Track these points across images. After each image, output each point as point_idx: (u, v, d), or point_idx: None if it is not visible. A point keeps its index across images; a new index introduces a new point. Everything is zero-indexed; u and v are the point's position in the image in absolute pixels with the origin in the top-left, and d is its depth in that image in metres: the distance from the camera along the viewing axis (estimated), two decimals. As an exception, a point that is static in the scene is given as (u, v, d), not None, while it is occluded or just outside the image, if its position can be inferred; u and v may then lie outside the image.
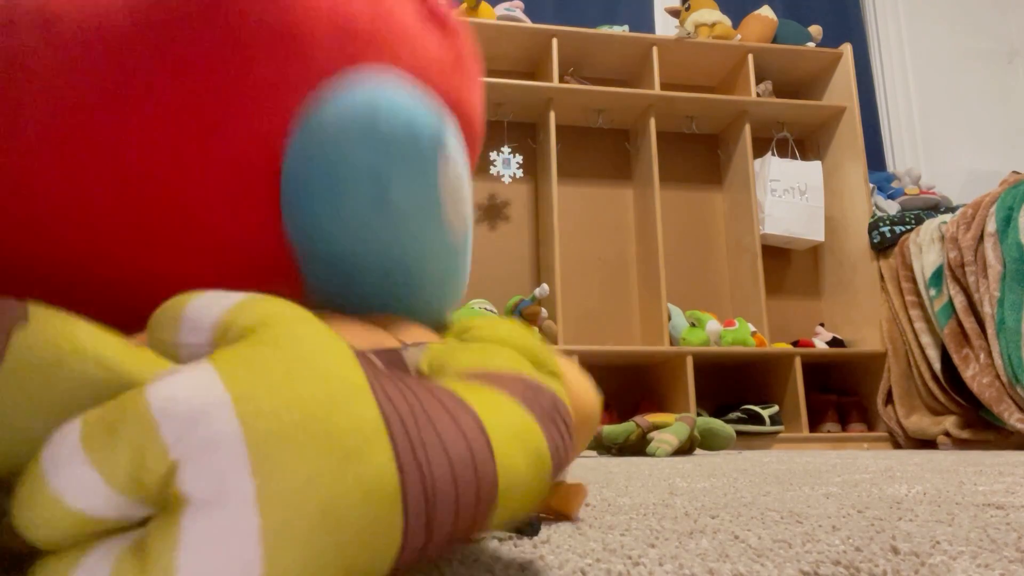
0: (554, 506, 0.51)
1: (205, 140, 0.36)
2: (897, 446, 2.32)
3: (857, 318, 2.57)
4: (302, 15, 0.37)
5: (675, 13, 2.82)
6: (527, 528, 0.38)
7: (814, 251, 2.82)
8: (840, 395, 2.58)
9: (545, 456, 0.27)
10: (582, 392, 0.46)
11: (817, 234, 2.65)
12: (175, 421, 0.18)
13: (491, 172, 2.57)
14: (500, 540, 0.40)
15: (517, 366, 0.32)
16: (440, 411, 0.24)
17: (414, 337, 0.39)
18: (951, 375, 2.16)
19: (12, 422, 0.23)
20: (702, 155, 2.88)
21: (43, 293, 0.38)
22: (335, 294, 0.42)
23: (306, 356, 0.21)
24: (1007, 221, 1.98)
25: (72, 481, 0.18)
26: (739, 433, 2.30)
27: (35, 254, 0.37)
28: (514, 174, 2.57)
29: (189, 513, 0.18)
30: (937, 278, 2.18)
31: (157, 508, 0.19)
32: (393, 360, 0.35)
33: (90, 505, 0.19)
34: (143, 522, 0.19)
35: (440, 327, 0.46)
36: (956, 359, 2.09)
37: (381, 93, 0.38)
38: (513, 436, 0.26)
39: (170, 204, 0.37)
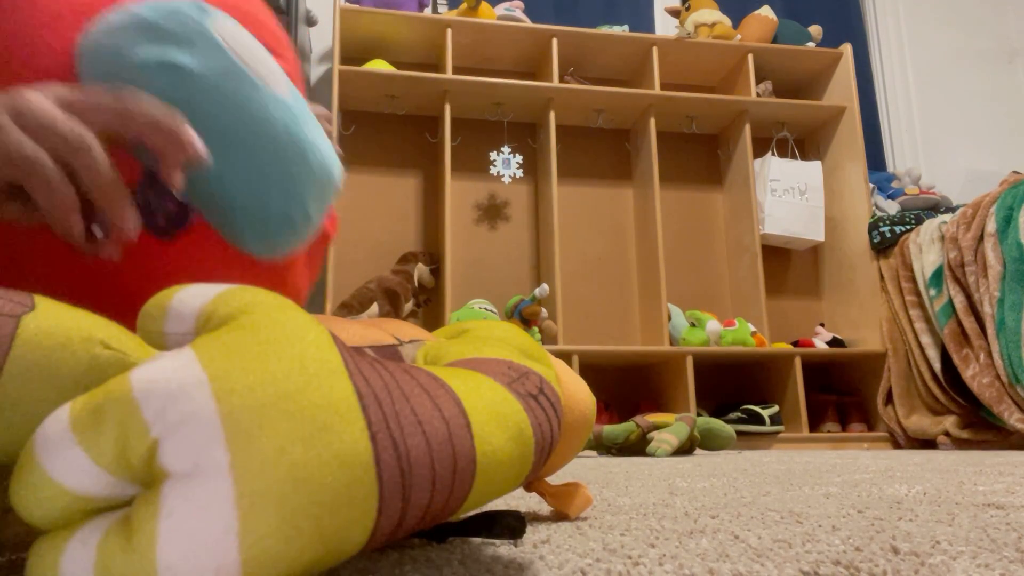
0: (554, 504, 0.51)
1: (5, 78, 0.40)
2: (897, 446, 2.32)
3: (857, 318, 2.57)
4: None
5: (675, 13, 2.82)
6: (512, 530, 0.38)
7: (814, 251, 2.83)
8: (840, 395, 2.58)
9: (527, 434, 0.27)
10: (577, 393, 0.46)
11: (817, 234, 2.65)
12: (155, 401, 0.19)
13: (491, 172, 2.57)
14: (497, 544, 0.40)
15: (506, 355, 0.33)
16: (417, 390, 0.25)
17: (410, 335, 0.39)
18: (951, 375, 2.16)
19: (21, 403, 0.24)
20: (702, 155, 2.88)
21: None
22: (198, 190, 0.44)
23: (281, 339, 0.22)
24: (1007, 221, 1.98)
25: (63, 463, 0.20)
26: (739, 433, 2.30)
27: None
28: (514, 174, 2.57)
29: (169, 485, 0.19)
30: (937, 278, 2.18)
31: (143, 485, 0.20)
32: (389, 355, 0.35)
33: (81, 485, 0.20)
34: (132, 501, 0.20)
35: (315, 201, 0.48)
36: (956, 359, 2.09)
37: (135, 3, 0.43)
38: (493, 414, 0.26)
39: None
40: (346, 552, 0.21)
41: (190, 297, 0.24)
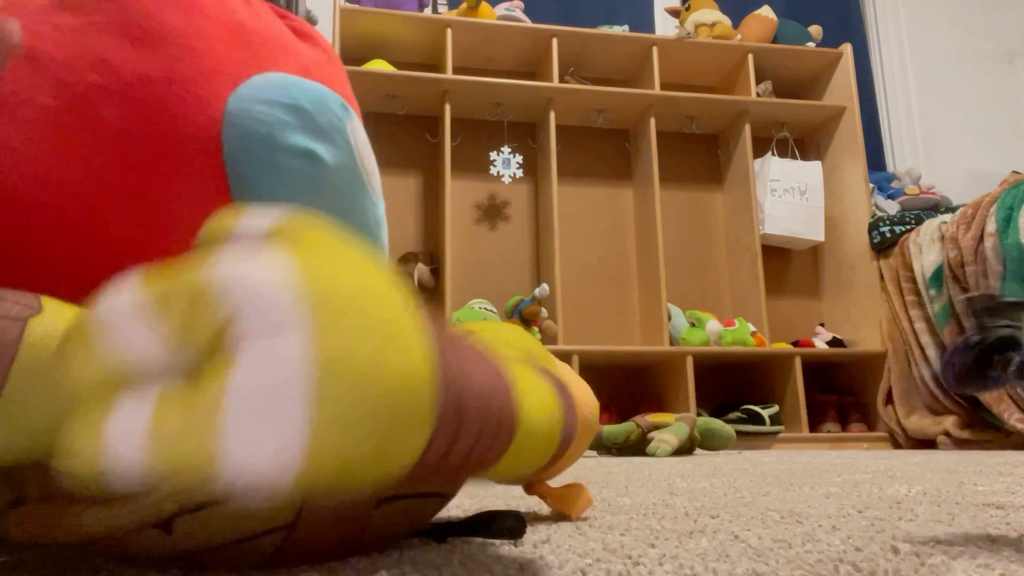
0: (556, 506, 0.51)
1: (153, 123, 0.41)
2: (897, 446, 2.32)
3: (857, 318, 2.57)
4: (198, 16, 0.44)
5: (675, 13, 2.82)
6: (511, 530, 0.38)
7: (814, 251, 2.83)
8: (840, 395, 2.58)
9: (557, 417, 0.28)
10: (582, 397, 0.46)
11: (817, 234, 2.65)
12: (241, 269, 0.19)
13: (491, 172, 2.57)
14: (497, 544, 0.40)
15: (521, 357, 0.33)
16: (466, 349, 0.25)
17: None
18: (951, 375, 2.15)
19: (28, 408, 0.23)
20: (702, 155, 2.88)
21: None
22: None
23: (354, 254, 0.23)
24: (1007, 221, 1.98)
25: (128, 326, 0.20)
26: (739, 433, 2.30)
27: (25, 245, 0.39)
28: (514, 174, 2.57)
29: (246, 342, 0.18)
30: (937, 278, 2.18)
31: (202, 359, 0.19)
32: None
33: (136, 347, 0.19)
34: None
35: None
36: (956, 359, 2.09)
37: (286, 77, 0.46)
38: (532, 386, 0.27)
39: (135, 186, 0.41)
40: (391, 471, 0.21)
41: (257, 218, 0.23)
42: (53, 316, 0.25)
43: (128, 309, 0.19)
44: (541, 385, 0.29)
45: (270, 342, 0.18)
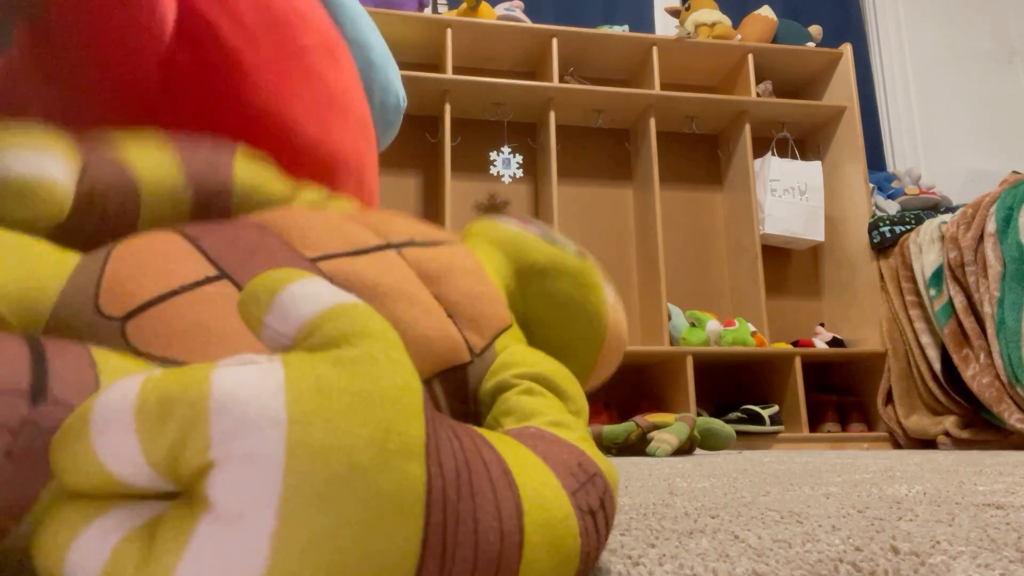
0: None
1: None
2: (897, 446, 2.32)
3: (857, 318, 2.57)
4: None
5: (675, 13, 2.82)
6: None
7: (814, 251, 2.82)
8: (840, 395, 2.58)
9: (574, 558, 0.26)
10: (620, 323, 0.53)
11: (817, 234, 2.65)
12: (227, 421, 0.18)
13: (491, 172, 2.57)
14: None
15: (581, 431, 0.33)
16: (486, 486, 0.23)
17: (402, 233, 0.41)
18: (951, 375, 2.16)
19: None
20: (702, 155, 2.88)
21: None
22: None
23: (375, 395, 0.21)
24: (1007, 221, 1.98)
25: (113, 446, 0.19)
26: (739, 433, 2.30)
27: None
28: (514, 174, 2.57)
29: (206, 520, 0.18)
30: (937, 278, 2.18)
31: (183, 490, 0.19)
32: (458, 383, 0.36)
33: (123, 471, 0.19)
34: (167, 496, 0.20)
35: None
36: (956, 359, 2.09)
37: None
38: (548, 537, 0.25)
39: None
40: None
41: (302, 300, 0.23)
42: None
43: (122, 418, 0.18)
44: (562, 515, 0.26)
45: (226, 536, 0.17)
